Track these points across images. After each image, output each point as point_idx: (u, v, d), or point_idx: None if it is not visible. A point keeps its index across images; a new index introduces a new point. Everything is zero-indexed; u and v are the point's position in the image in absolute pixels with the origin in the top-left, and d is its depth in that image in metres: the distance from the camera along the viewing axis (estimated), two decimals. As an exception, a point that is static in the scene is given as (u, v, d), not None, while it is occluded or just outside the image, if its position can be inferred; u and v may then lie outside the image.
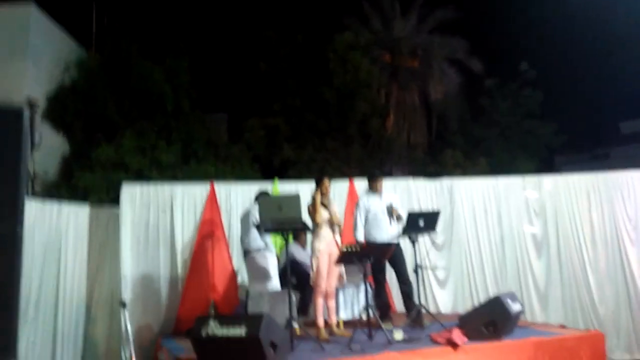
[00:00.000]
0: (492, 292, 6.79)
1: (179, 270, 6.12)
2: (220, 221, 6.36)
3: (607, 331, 5.90)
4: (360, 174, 9.28)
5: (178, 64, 11.65)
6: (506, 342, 3.80)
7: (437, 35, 16.17)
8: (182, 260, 6.16)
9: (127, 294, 5.67)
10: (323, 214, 4.58)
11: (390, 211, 5.18)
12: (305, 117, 13.45)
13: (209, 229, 6.28)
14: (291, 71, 13.70)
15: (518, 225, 7.09)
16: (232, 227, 6.49)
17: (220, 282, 6.08)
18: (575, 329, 5.01)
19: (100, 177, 8.73)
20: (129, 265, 5.89)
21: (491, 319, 3.83)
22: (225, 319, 3.46)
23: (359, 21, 15.73)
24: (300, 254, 5.78)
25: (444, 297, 6.88)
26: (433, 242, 6.88)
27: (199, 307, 5.80)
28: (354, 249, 4.11)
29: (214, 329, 3.37)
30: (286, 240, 4.36)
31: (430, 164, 13.69)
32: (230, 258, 6.24)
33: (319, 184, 4.72)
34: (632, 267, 6.92)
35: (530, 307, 6.67)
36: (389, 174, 13.04)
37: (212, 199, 6.42)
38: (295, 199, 4.12)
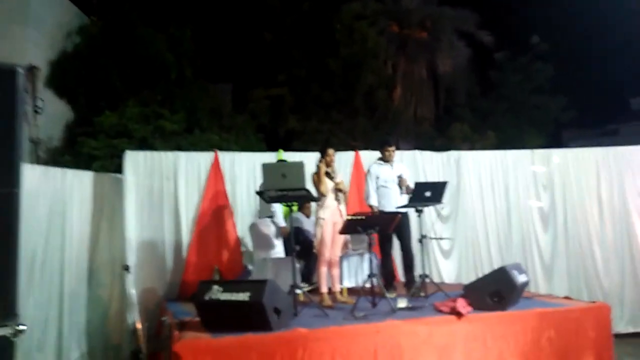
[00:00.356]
0: (497, 264, 6.76)
1: (184, 236, 6.13)
2: (224, 190, 6.34)
3: (611, 304, 5.86)
4: (366, 146, 9.20)
5: (181, 33, 11.45)
6: (511, 313, 3.77)
7: (446, 6, 15.79)
8: (186, 226, 6.16)
9: (131, 259, 5.69)
10: (328, 184, 4.52)
11: (400, 182, 5.13)
12: (310, 88, 13.28)
13: (212, 197, 6.26)
14: (296, 41, 13.47)
15: (525, 198, 7.04)
16: (236, 195, 6.48)
17: (224, 249, 6.11)
18: (580, 300, 4.99)
19: (104, 145, 8.67)
20: (133, 231, 5.89)
21: (496, 289, 3.80)
22: (228, 284, 3.44)
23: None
24: (305, 222, 5.76)
25: (448, 268, 6.87)
26: (439, 214, 6.85)
27: (204, 272, 5.86)
28: (358, 218, 4.05)
29: (218, 293, 3.36)
30: (290, 209, 4.30)
31: (438, 137, 13.55)
32: (234, 226, 6.24)
33: (323, 153, 4.65)
34: (639, 242, 6.86)
35: (535, 278, 6.65)
36: (396, 147, 12.81)
37: (216, 168, 6.38)
38: (299, 166, 4.05)
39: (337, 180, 4.63)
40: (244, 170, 6.58)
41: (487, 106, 15.43)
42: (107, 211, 6.12)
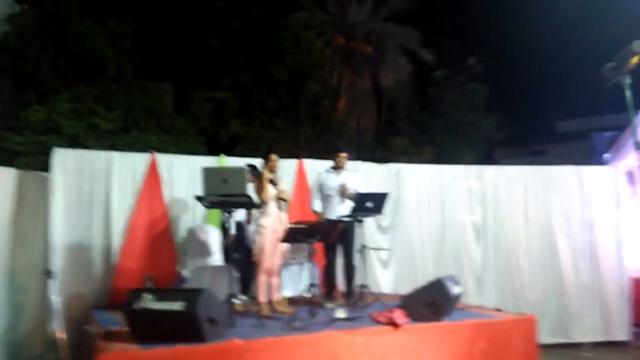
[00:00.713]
0: (432, 275, 6.91)
1: (114, 240, 5.80)
2: (161, 194, 6.09)
3: (535, 315, 6.19)
4: (309, 155, 9.20)
5: (122, 28, 10.97)
6: (445, 324, 3.86)
7: (391, 23, 16.28)
8: (117, 230, 5.84)
9: (56, 263, 5.32)
10: (270, 191, 4.45)
11: (341, 191, 5.14)
12: (254, 94, 13.15)
13: (148, 201, 5.99)
14: (242, 46, 13.32)
15: (459, 212, 7.28)
16: (173, 200, 6.22)
17: (158, 255, 5.83)
18: (509, 312, 5.20)
19: (30, 141, 8.09)
20: (60, 234, 5.52)
21: (432, 300, 3.87)
22: (161, 293, 3.27)
23: (315, 2, 15.52)
24: (244, 230, 5.63)
25: (386, 278, 6.97)
26: (379, 225, 6.94)
27: (135, 280, 5.56)
28: (300, 227, 4.01)
29: (149, 302, 3.18)
30: (230, 216, 4.17)
31: (379, 149, 13.84)
32: (170, 231, 5.99)
33: (266, 159, 4.58)
34: (561, 257, 7.29)
35: (466, 290, 6.81)
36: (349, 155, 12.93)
37: (152, 170, 6.12)
38: (241, 172, 3.94)
39: (281, 187, 4.56)
40: (183, 173, 6.35)
41: (426, 121, 16.01)
42: (30, 211, 5.70)
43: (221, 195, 3.90)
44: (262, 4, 13.34)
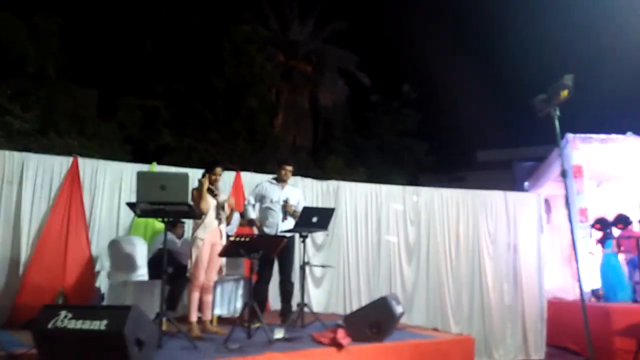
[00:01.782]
0: (365, 294, 6.94)
1: (23, 251, 5.18)
2: (81, 201, 5.56)
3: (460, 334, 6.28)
4: (242, 169, 8.90)
5: (48, 25, 10.16)
6: (388, 344, 3.75)
7: (331, 45, 16.54)
8: (27, 240, 5.23)
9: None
10: (209, 202, 4.15)
11: (285, 207, 4.93)
12: (189, 104, 12.68)
13: (65, 208, 5.44)
14: (180, 54, 12.85)
15: (394, 231, 7.32)
16: (94, 208, 5.72)
17: (73, 268, 5.27)
18: (448, 332, 5.21)
19: None
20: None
21: (376, 320, 3.75)
22: (81, 310, 2.86)
23: (257, 17, 15.44)
24: (175, 244, 5.25)
25: (318, 296, 6.80)
26: (313, 242, 6.80)
27: (44, 295, 4.95)
28: (242, 240, 3.74)
29: (66, 321, 2.77)
30: (165, 226, 3.82)
31: (313, 167, 13.80)
32: (88, 242, 5.47)
33: (210, 169, 4.26)
34: (487, 278, 7.52)
35: (397, 308, 6.86)
36: (272, 172, 12.78)
37: (73, 175, 5.59)
38: (183, 178, 3.61)
39: (222, 198, 4.28)
40: (108, 180, 5.87)
41: (360, 143, 16.28)
42: None
43: (158, 203, 3.54)
44: (203, 13, 13.01)
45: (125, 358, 2.76)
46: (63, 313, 2.82)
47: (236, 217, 5.31)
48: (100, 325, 2.76)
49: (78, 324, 2.78)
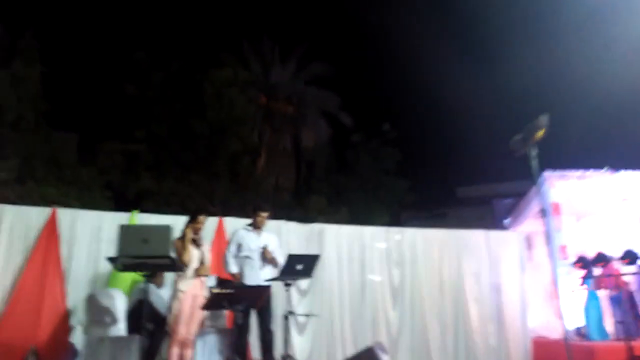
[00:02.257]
0: (350, 339, 6.82)
1: (-5, 306, 5.00)
2: (58, 253, 5.47)
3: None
4: (224, 212, 8.85)
5: (28, 71, 10.19)
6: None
7: (312, 86, 16.86)
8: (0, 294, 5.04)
9: None
10: (192, 253, 4.10)
11: (263, 254, 4.86)
12: (170, 148, 12.68)
13: (41, 261, 5.35)
14: (161, 98, 12.94)
15: (379, 274, 7.27)
16: (72, 260, 5.62)
17: (47, 323, 5.13)
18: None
19: None
20: None
21: (362, 371, 3.68)
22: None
23: (237, 60, 15.67)
24: (155, 294, 5.12)
25: (302, 344, 6.65)
26: (297, 288, 6.70)
27: (14, 354, 4.81)
28: (225, 292, 3.67)
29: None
30: (146, 279, 3.74)
31: (296, 208, 13.77)
32: (63, 297, 5.33)
33: (193, 219, 4.23)
34: (471, 320, 7.45)
35: (383, 354, 6.72)
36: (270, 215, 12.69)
37: (51, 226, 5.51)
38: (164, 230, 3.58)
39: (205, 248, 4.23)
40: (87, 230, 5.78)
41: (342, 182, 16.36)
42: None
43: (139, 257, 3.48)
44: (184, 56, 13.21)
45: None
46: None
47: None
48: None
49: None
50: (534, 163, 5.39)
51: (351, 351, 6.63)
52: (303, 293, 6.85)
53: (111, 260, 3.65)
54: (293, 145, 15.89)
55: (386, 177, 16.48)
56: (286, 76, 16.63)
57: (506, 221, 10.39)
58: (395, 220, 16.71)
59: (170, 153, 12.63)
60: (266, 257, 4.83)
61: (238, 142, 12.69)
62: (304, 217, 10.98)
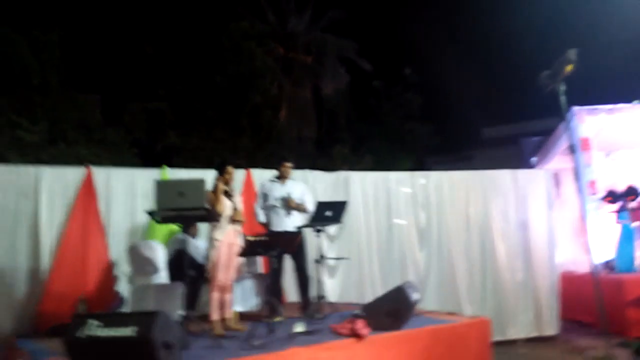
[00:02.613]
0: (379, 281, 7.01)
1: (43, 261, 5.32)
2: (97, 209, 5.68)
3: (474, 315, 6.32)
4: (250, 165, 8.99)
5: (47, 37, 10.26)
6: (406, 332, 3.83)
7: (329, 34, 16.47)
8: (47, 250, 5.36)
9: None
10: (225, 203, 4.25)
11: (286, 202, 5.02)
12: (193, 104, 12.76)
13: (82, 217, 5.56)
14: (180, 55, 12.91)
15: (405, 217, 7.37)
16: (110, 215, 5.84)
17: (93, 275, 5.41)
18: (463, 316, 5.29)
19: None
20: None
21: (394, 308, 3.84)
22: (108, 318, 2.97)
23: (254, 12, 15.40)
24: (190, 244, 5.35)
25: (332, 286, 6.88)
26: (326, 233, 6.87)
27: (66, 303, 5.09)
28: (260, 240, 3.83)
29: (95, 329, 2.88)
30: (184, 231, 3.92)
31: (320, 158, 13.85)
32: (106, 248, 5.59)
33: (222, 171, 4.38)
34: (499, 257, 7.55)
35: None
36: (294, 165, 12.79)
37: (88, 184, 5.70)
38: (199, 184, 3.72)
39: (236, 202, 4.38)
40: (121, 187, 5.97)
41: (365, 130, 16.28)
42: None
43: (176, 210, 3.65)
44: (200, 13, 13.04)
45: (155, 361, 2.87)
46: (92, 321, 2.93)
47: None
48: (128, 331, 2.86)
49: (107, 332, 2.89)
50: (563, 98, 5.27)
51: (380, 291, 6.81)
52: (332, 239, 7.02)
53: (150, 213, 3.83)
54: (313, 95, 15.75)
55: (409, 122, 16.32)
56: (303, 25, 16.27)
57: (533, 159, 10.26)
58: (420, 166, 16.67)
59: (193, 110, 12.73)
60: (290, 205, 4.98)
61: (259, 95, 12.66)
62: (328, 166, 11.06)
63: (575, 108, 7.86)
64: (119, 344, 2.87)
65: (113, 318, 2.99)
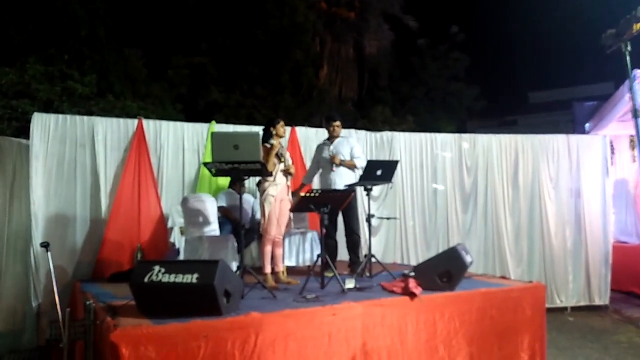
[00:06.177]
0: (421, 243, 7.00)
1: (101, 210, 5.51)
2: (149, 161, 5.81)
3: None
4: (289, 124, 8.95)
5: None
6: (458, 293, 3.80)
7: (374, -13, 15.86)
8: (104, 200, 5.54)
9: (38, 235, 5.02)
10: (276, 161, 4.27)
11: (331, 159, 5.00)
12: (235, 61, 12.68)
13: (135, 169, 5.69)
14: (223, 10, 12.75)
15: (450, 180, 7.25)
16: (161, 168, 5.96)
17: (147, 225, 5.58)
18: (518, 280, 5.22)
19: (1, 105, 7.55)
20: (41, 204, 5.20)
21: (447, 270, 3.80)
22: (172, 265, 3.06)
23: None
24: (237, 199, 5.42)
25: (375, 246, 6.86)
26: (369, 193, 6.83)
27: (124, 251, 5.36)
28: (312, 196, 3.83)
29: (160, 275, 2.98)
30: (231, 187, 3.95)
31: (360, 118, 13.67)
32: (159, 200, 5.74)
33: (274, 125, 4.37)
34: (549, 223, 7.40)
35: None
36: (319, 125, 12.76)
37: (140, 136, 5.80)
38: (255, 137, 3.72)
39: (289, 162, 4.41)
40: (171, 140, 6.07)
41: (407, 91, 15.86)
42: (8, 179, 5.36)
43: (232, 163, 3.67)
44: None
45: (216, 308, 2.95)
46: (157, 268, 3.02)
47: None
48: (191, 279, 2.94)
49: (171, 278, 2.98)
50: (628, 60, 4.94)
51: (423, 252, 6.86)
52: (375, 199, 6.98)
53: (206, 165, 3.87)
54: (355, 53, 15.36)
55: (454, 84, 15.79)
56: (346, -21, 15.72)
57: (587, 125, 9.80)
58: (461, 129, 16.23)
59: (235, 66, 12.66)
60: (334, 162, 4.96)
61: (300, 53, 12.45)
62: (369, 127, 10.90)
63: (638, 71, 7.38)
64: (183, 290, 2.95)
65: (176, 266, 3.07)
